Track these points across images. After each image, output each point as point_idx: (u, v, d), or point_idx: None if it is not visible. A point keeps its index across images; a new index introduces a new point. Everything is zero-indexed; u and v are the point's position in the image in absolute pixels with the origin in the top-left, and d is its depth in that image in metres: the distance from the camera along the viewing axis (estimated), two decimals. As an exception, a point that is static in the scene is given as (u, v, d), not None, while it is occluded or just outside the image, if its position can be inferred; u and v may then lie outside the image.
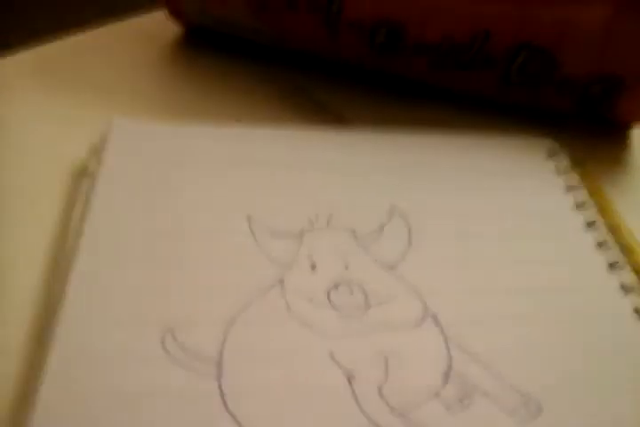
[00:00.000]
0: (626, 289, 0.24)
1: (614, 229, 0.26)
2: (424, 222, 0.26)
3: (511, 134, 0.30)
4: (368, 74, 0.34)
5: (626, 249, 0.26)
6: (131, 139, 0.27)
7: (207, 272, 0.23)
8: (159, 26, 0.36)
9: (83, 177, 0.26)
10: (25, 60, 0.34)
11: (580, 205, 0.27)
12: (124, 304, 0.22)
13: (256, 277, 0.23)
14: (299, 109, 0.32)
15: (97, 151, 0.27)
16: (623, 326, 0.23)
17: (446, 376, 0.21)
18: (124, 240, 0.24)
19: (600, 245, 0.26)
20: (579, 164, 0.29)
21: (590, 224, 0.26)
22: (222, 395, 0.20)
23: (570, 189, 0.28)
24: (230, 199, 0.26)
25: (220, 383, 0.20)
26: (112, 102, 0.31)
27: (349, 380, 0.20)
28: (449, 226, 0.26)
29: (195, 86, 0.33)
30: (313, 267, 0.23)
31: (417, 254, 0.25)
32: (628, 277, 0.25)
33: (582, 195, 0.28)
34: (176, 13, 0.35)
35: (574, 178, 0.28)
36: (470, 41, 0.30)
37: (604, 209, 0.27)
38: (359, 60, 0.33)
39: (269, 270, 0.23)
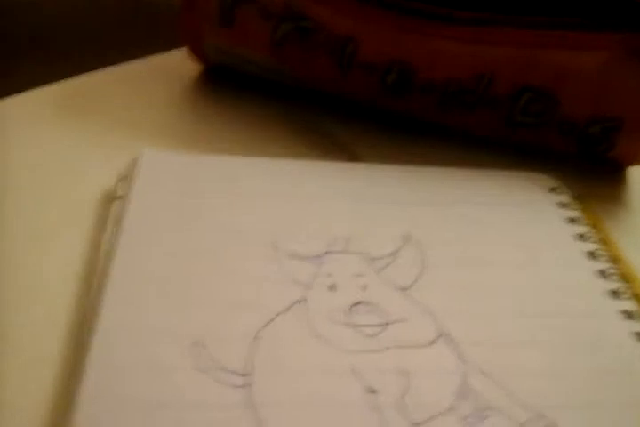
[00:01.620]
0: (627, 315, 0.25)
1: (615, 259, 0.28)
2: (434, 249, 0.27)
3: (514, 170, 0.32)
4: (381, 114, 0.36)
5: (626, 278, 0.27)
6: (159, 166, 0.29)
7: (233, 291, 0.24)
8: (180, 64, 0.38)
9: (112, 201, 0.27)
10: (49, 93, 0.36)
11: (580, 236, 0.29)
12: (155, 319, 0.23)
13: (279, 296, 0.24)
14: (313, 146, 0.34)
15: (126, 178, 0.28)
16: (625, 349, 0.24)
17: (460, 392, 0.22)
18: (155, 260, 0.25)
19: (601, 273, 0.27)
20: (579, 199, 0.31)
21: (591, 253, 0.28)
22: (249, 406, 0.21)
23: (571, 220, 0.29)
24: (254, 225, 0.27)
25: (247, 395, 0.21)
26: (134, 137, 0.33)
27: (372, 394, 0.21)
28: (458, 253, 0.27)
29: (214, 123, 0.35)
30: (332, 287, 0.25)
31: (428, 279, 0.26)
32: (628, 303, 0.26)
33: (583, 226, 0.29)
34: (196, 52, 0.37)
35: (575, 211, 0.30)
36: (475, 83, 0.32)
37: (604, 240, 0.29)
38: (371, 100, 0.35)
39: (292, 290, 0.24)
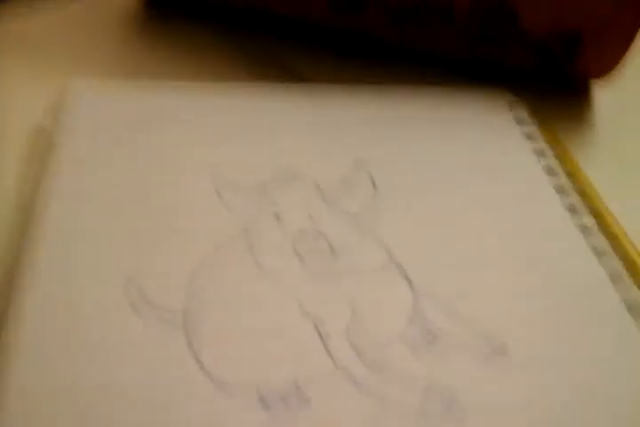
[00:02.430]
0: (585, 232, 0.25)
1: (572, 175, 0.27)
2: (388, 175, 0.26)
3: (472, 89, 0.30)
4: (332, 36, 0.34)
5: (583, 194, 0.26)
6: (89, 96, 0.27)
7: (170, 223, 0.23)
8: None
9: (40, 136, 0.26)
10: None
11: (539, 152, 0.28)
12: (89, 256, 0.22)
13: (220, 228, 0.23)
14: (264, 71, 0.32)
15: (54, 109, 0.26)
16: (583, 266, 0.23)
17: (410, 319, 0.21)
18: (88, 194, 0.23)
19: (560, 189, 0.26)
20: (537, 115, 0.30)
21: (550, 170, 0.27)
22: (189, 343, 0.20)
23: (528, 136, 0.28)
24: (193, 154, 0.25)
25: (186, 332, 0.20)
26: (69, 65, 0.31)
27: (316, 325, 0.21)
28: (412, 178, 0.26)
29: (156, 50, 0.33)
30: (277, 218, 0.23)
31: (380, 205, 0.25)
32: (587, 219, 0.25)
33: (540, 143, 0.28)
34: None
35: (532, 126, 0.29)
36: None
37: (561, 156, 0.28)
38: (322, 19, 0.33)
39: (233, 222, 0.23)
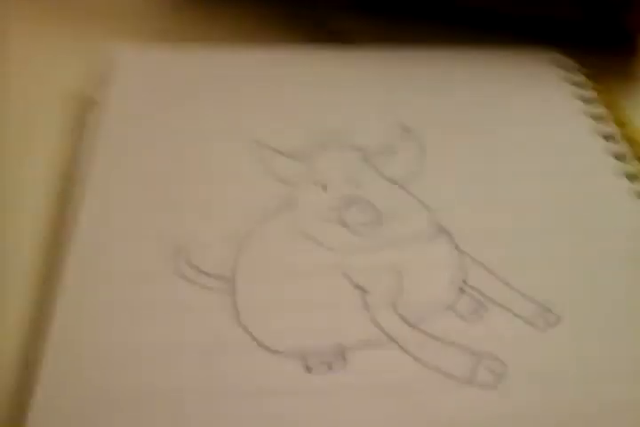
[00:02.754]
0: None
1: (631, 141, 0.26)
2: (433, 139, 0.25)
3: (518, 48, 0.29)
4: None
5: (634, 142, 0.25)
6: (135, 66, 0.27)
7: (215, 192, 0.23)
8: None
9: (88, 105, 0.26)
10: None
11: (596, 117, 0.27)
12: (136, 224, 0.22)
13: (265, 196, 0.23)
14: (310, 35, 0.31)
15: (101, 80, 0.26)
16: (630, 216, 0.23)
17: (460, 289, 0.21)
18: (132, 161, 0.24)
19: (618, 156, 0.25)
20: (591, 76, 0.28)
21: (608, 136, 0.26)
22: (235, 309, 0.20)
23: (585, 100, 0.27)
24: (239, 122, 0.25)
25: (232, 298, 0.20)
26: (109, 30, 0.30)
27: (362, 294, 0.20)
28: (459, 141, 0.25)
29: (199, 15, 0.32)
30: (323, 186, 0.23)
31: (427, 171, 0.24)
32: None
33: (591, 99, 0.27)
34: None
35: (589, 89, 0.28)
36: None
37: (619, 121, 0.26)
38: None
39: (278, 190, 0.23)
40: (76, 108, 0.26)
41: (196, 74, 0.27)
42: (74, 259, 0.21)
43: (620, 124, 0.26)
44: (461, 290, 0.21)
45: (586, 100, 0.27)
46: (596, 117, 0.26)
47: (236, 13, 0.32)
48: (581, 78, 0.28)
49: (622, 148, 0.25)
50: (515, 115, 0.27)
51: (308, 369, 0.19)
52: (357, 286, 0.21)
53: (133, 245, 0.21)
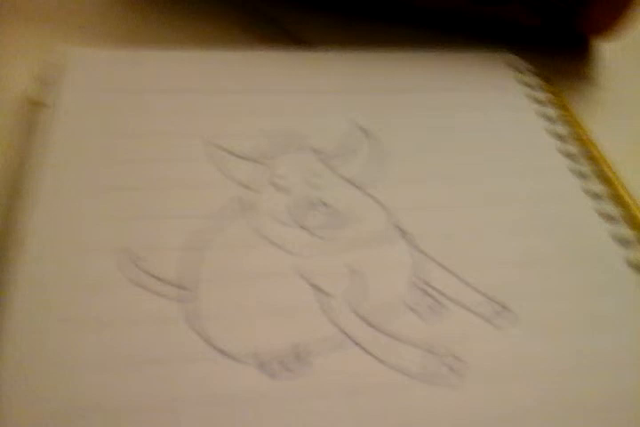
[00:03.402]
0: (591, 195, 0.24)
1: (584, 142, 0.26)
2: (389, 139, 0.25)
3: (474, 49, 0.30)
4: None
5: (595, 160, 0.26)
6: (85, 68, 0.26)
7: (169, 197, 0.22)
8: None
9: (35, 108, 0.25)
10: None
11: (549, 118, 0.27)
12: (87, 231, 0.21)
13: (222, 200, 0.22)
14: (265, 36, 0.31)
15: (49, 82, 0.26)
16: (591, 230, 0.23)
17: (419, 288, 0.21)
18: (86, 170, 0.23)
19: (571, 156, 0.26)
20: (540, 75, 0.29)
21: (561, 136, 0.26)
22: (191, 316, 0.19)
23: (531, 96, 0.28)
24: (192, 125, 0.25)
25: (188, 305, 0.20)
26: (61, 32, 0.30)
27: (319, 293, 0.20)
28: (416, 143, 0.25)
29: (152, 16, 0.32)
30: (281, 188, 0.23)
31: (386, 172, 0.24)
32: (594, 184, 0.25)
33: (544, 102, 0.28)
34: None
35: (543, 91, 0.28)
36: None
37: (572, 122, 0.27)
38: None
39: (236, 193, 0.23)
40: (26, 112, 0.26)
41: (147, 76, 0.26)
42: (24, 268, 0.20)
43: (573, 125, 0.27)
44: (420, 289, 0.21)
45: (539, 102, 0.28)
46: (549, 119, 0.27)
47: (190, 14, 0.32)
48: (535, 80, 0.29)
49: (574, 148, 0.26)
50: (469, 116, 0.27)
51: (268, 374, 0.19)
52: (317, 289, 0.20)
53: (86, 253, 0.21)
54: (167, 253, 0.21)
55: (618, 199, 0.24)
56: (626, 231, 0.23)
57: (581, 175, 0.25)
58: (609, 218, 0.24)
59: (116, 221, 0.22)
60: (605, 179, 0.25)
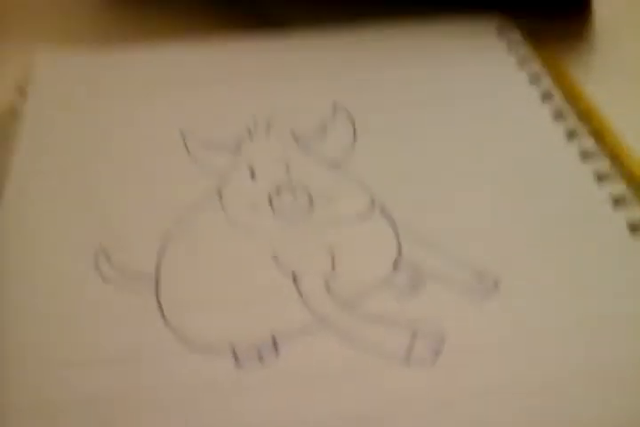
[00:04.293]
0: (584, 156, 0.23)
1: (571, 97, 0.25)
2: (367, 117, 0.24)
3: (463, 15, 0.28)
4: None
5: (584, 115, 0.24)
6: (54, 72, 0.26)
7: (140, 189, 0.22)
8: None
9: (10, 114, 0.25)
10: None
11: (533, 77, 0.26)
12: (55, 225, 0.21)
13: (193, 188, 0.22)
14: (239, 20, 0.30)
15: (21, 87, 0.26)
16: (582, 195, 0.22)
17: (396, 264, 0.20)
18: (55, 168, 0.23)
19: (557, 115, 0.24)
20: (532, 38, 0.27)
21: (546, 96, 0.25)
22: (160, 308, 0.19)
23: (522, 63, 0.26)
24: (163, 117, 0.25)
25: (157, 298, 0.19)
26: (33, 34, 0.30)
27: (294, 279, 0.20)
28: (395, 118, 0.24)
29: (124, 10, 0.31)
30: (252, 174, 0.23)
31: (362, 149, 0.23)
32: (586, 142, 0.23)
33: (535, 66, 0.26)
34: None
35: (526, 51, 0.27)
36: None
37: (559, 78, 0.26)
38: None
39: (207, 181, 0.22)
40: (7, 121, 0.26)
41: (118, 75, 0.26)
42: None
43: (570, 96, 0.25)
44: (398, 265, 0.20)
45: (532, 76, 0.26)
46: (537, 82, 0.26)
47: (164, 3, 0.31)
48: (526, 46, 0.27)
49: (562, 104, 0.24)
50: (457, 87, 0.26)
51: (241, 364, 0.18)
52: (290, 273, 0.20)
53: (55, 248, 0.21)
54: (140, 246, 0.21)
55: (613, 160, 0.23)
56: (620, 187, 0.22)
57: (571, 135, 0.23)
58: (602, 178, 0.22)
59: (85, 214, 0.22)
60: (596, 134, 0.23)
